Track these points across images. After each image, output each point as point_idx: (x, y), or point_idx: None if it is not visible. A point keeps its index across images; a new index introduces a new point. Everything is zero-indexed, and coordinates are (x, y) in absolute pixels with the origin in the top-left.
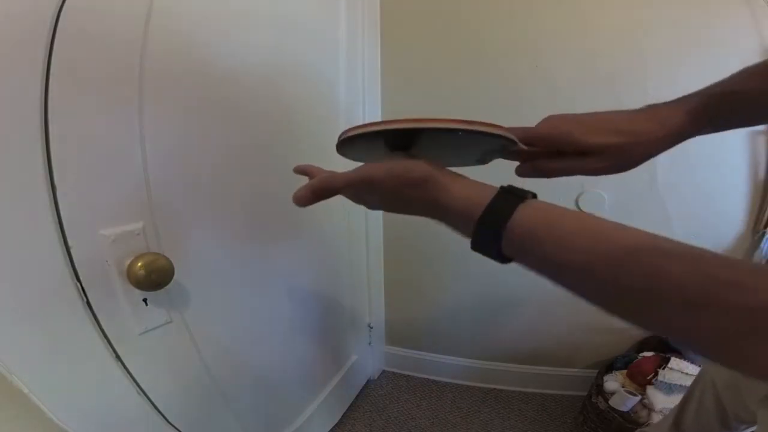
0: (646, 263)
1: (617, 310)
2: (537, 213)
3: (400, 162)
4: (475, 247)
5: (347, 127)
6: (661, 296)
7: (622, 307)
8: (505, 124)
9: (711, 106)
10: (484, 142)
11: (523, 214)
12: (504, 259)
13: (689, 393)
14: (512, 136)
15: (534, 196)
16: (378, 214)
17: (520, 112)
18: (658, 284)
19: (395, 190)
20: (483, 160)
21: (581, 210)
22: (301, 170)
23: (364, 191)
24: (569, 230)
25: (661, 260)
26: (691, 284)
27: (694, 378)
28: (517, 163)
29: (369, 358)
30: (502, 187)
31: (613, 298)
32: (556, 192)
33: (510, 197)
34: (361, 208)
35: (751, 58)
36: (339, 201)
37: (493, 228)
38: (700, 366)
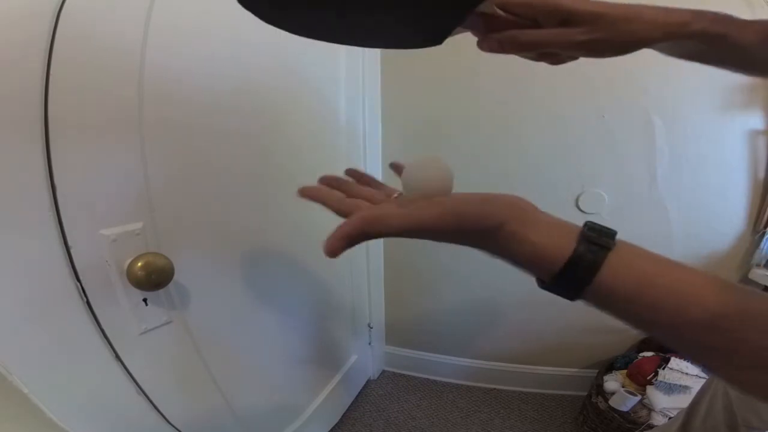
0: (728, 329)
1: (690, 356)
2: (626, 269)
3: (470, 203)
4: (547, 290)
5: None
6: (737, 358)
7: (695, 356)
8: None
9: (722, 20)
10: None
11: (610, 270)
12: (576, 299)
13: (698, 398)
14: None
15: (615, 234)
16: None
17: (522, 111)
18: (736, 349)
19: (460, 236)
20: (438, 33)
21: (581, 210)
22: (309, 196)
23: (415, 236)
24: (660, 293)
25: (743, 327)
26: (765, 351)
27: (701, 382)
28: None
29: (369, 358)
30: (583, 232)
31: (692, 351)
32: (557, 192)
33: (595, 248)
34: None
35: None
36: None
37: (574, 284)
38: (706, 372)
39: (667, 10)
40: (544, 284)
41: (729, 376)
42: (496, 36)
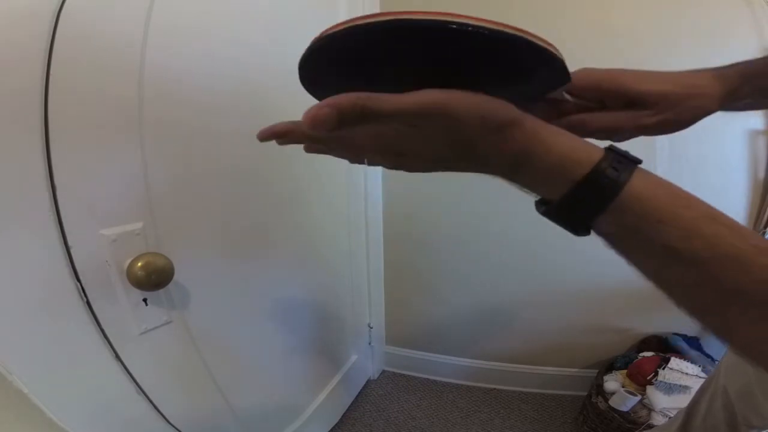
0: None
1: (708, 309)
2: (658, 184)
3: (481, 95)
4: (557, 213)
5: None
6: None
7: (717, 306)
8: None
9: (759, 74)
10: (529, 74)
11: (641, 182)
12: (584, 231)
13: (698, 397)
14: (567, 69)
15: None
16: (378, 212)
17: None
18: None
19: (474, 134)
20: None
21: None
22: (272, 134)
23: (420, 130)
24: (696, 214)
25: None
26: None
27: (701, 382)
28: None
29: (369, 358)
30: (606, 147)
31: (719, 299)
32: None
33: (623, 159)
34: (361, 207)
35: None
36: (340, 196)
37: (600, 195)
38: (706, 372)
39: (720, 80)
40: (547, 209)
41: (756, 334)
42: (564, 121)
